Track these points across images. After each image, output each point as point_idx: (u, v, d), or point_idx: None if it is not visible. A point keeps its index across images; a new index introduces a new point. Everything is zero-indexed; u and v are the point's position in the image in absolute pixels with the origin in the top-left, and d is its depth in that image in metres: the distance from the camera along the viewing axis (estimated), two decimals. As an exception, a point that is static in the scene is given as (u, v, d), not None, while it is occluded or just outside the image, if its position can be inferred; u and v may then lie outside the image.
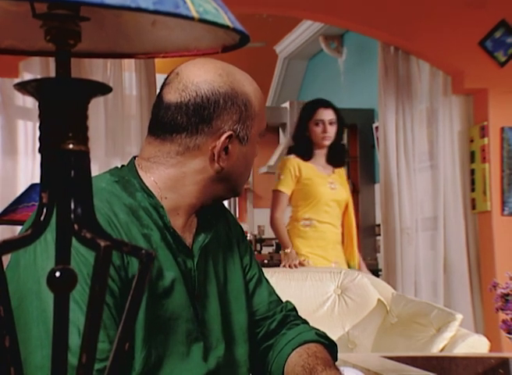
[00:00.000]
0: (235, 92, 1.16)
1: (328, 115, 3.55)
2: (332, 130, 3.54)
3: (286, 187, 3.58)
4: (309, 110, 3.61)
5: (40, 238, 0.55)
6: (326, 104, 3.62)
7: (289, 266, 3.32)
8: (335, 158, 3.62)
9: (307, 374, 1.20)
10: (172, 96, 1.17)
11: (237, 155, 1.19)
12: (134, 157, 1.23)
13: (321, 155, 3.60)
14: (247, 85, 1.19)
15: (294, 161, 3.57)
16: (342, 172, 3.68)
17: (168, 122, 1.16)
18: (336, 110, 3.60)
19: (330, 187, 3.54)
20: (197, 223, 1.23)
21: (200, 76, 1.16)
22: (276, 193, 3.66)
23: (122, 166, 1.23)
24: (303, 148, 3.59)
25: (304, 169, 3.54)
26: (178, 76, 1.18)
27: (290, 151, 3.67)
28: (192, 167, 1.17)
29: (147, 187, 1.16)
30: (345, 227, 3.64)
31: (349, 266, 3.58)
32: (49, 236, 0.85)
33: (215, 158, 1.16)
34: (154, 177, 1.17)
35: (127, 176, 1.18)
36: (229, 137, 1.16)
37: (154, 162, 1.18)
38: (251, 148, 1.21)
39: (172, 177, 1.17)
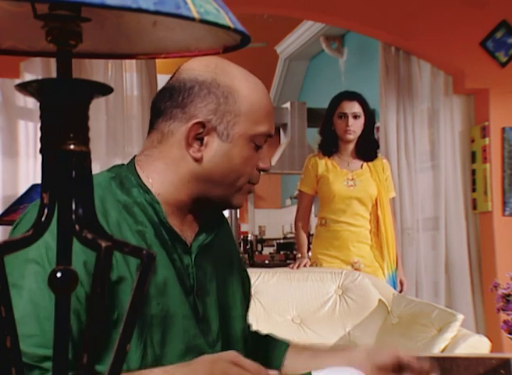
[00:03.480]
0: (215, 83, 1.15)
1: (351, 108, 3.38)
2: (356, 124, 3.37)
3: (306, 186, 3.50)
4: (333, 103, 3.46)
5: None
6: (351, 96, 3.43)
7: (292, 267, 3.29)
8: (363, 152, 3.44)
9: (312, 356, 1.25)
10: (164, 85, 1.21)
11: (216, 150, 1.15)
12: (136, 155, 1.23)
13: (346, 149, 3.44)
14: (239, 82, 1.17)
15: (313, 159, 3.49)
16: (378, 166, 3.46)
17: (152, 109, 1.19)
18: (363, 103, 3.41)
19: (347, 183, 3.39)
20: (198, 225, 1.22)
21: (188, 65, 1.17)
22: (298, 193, 3.60)
23: (123, 164, 1.23)
24: (326, 142, 3.48)
25: (320, 167, 3.44)
26: (178, 68, 1.21)
27: (318, 147, 3.57)
28: (171, 157, 1.16)
29: (143, 183, 1.16)
30: (373, 226, 3.42)
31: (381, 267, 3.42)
32: (38, 240, 0.84)
33: (185, 145, 1.15)
34: (146, 172, 1.18)
35: (125, 172, 1.18)
36: (203, 126, 1.14)
37: (146, 154, 1.19)
38: (237, 148, 1.16)
39: (159, 171, 1.17)
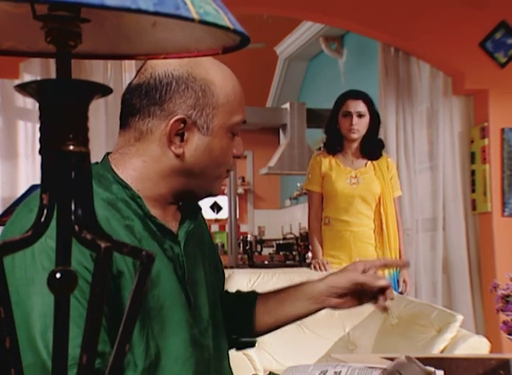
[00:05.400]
0: (192, 77, 1.13)
1: (356, 107, 3.38)
2: (360, 123, 3.36)
3: (313, 185, 3.48)
4: (339, 102, 3.46)
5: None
6: (356, 95, 3.43)
7: (315, 268, 3.26)
8: (368, 151, 3.44)
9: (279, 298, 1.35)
10: (134, 80, 1.18)
11: (196, 144, 1.14)
12: (108, 153, 1.21)
13: (351, 148, 3.45)
14: (213, 73, 1.15)
15: (318, 157, 3.49)
16: (383, 165, 3.46)
17: (126, 106, 1.16)
18: (368, 102, 3.42)
19: (349, 181, 3.39)
20: (181, 214, 1.22)
21: (160, 60, 1.14)
22: (307, 193, 3.60)
23: (96, 162, 1.21)
24: (331, 141, 3.48)
25: (324, 165, 3.44)
26: (145, 62, 1.18)
27: (323, 145, 3.57)
28: (150, 155, 1.15)
29: (121, 180, 1.15)
30: (377, 225, 3.42)
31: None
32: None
33: (167, 142, 1.13)
34: (121, 170, 1.16)
35: (101, 171, 1.16)
36: (183, 122, 1.12)
37: (121, 153, 1.17)
38: (217, 140, 1.15)
39: (136, 168, 1.16)
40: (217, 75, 1.16)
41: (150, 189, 1.16)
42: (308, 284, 1.35)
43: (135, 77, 1.18)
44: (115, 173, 1.15)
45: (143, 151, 1.15)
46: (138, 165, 1.16)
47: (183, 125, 1.13)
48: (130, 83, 1.18)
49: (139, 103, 1.14)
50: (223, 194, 5.86)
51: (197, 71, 1.14)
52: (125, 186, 1.14)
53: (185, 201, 1.22)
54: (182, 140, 1.14)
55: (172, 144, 1.14)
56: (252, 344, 1.42)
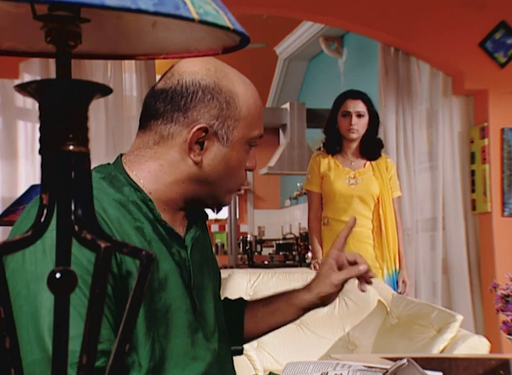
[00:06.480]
0: (218, 88, 1.15)
1: (355, 106, 3.39)
2: (359, 123, 3.37)
3: (313, 185, 3.49)
4: (338, 102, 3.47)
5: None
6: (355, 95, 3.44)
7: (314, 268, 3.27)
8: (367, 151, 3.45)
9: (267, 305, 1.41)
10: (159, 84, 1.19)
11: (215, 153, 1.17)
12: (121, 154, 1.23)
13: (350, 148, 3.45)
14: (238, 86, 1.18)
15: (317, 157, 3.50)
16: (382, 165, 3.46)
17: (149, 108, 1.18)
18: (368, 102, 3.43)
19: (348, 182, 3.40)
20: (188, 220, 1.24)
21: (188, 68, 1.16)
22: (307, 193, 3.60)
23: (109, 163, 1.23)
24: (330, 141, 3.49)
25: (322, 165, 3.45)
26: (172, 67, 1.20)
27: (322, 145, 3.58)
28: (168, 159, 1.16)
29: (133, 182, 1.16)
30: (376, 226, 3.42)
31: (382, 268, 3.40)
32: (38, 240, 0.83)
33: (187, 149, 1.15)
34: (136, 172, 1.17)
35: (113, 172, 1.17)
36: (205, 131, 1.14)
37: (137, 154, 1.19)
38: (234, 152, 1.18)
39: (152, 171, 1.17)
40: (241, 88, 1.18)
41: (162, 193, 1.17)
42: (296, 295, 1.41)
43: (160, 81, 1.20)
44: (128, 174, 1.17)
45: (161, 154, 1.17)
46: (154, 168, 1.17)
47: (204, 134, 1.15)
48: (154, 87, 1.20)
49: (163, 107, 1.16)
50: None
51: (223, 82, 1.16)
52: (137, 188, 1.16)
53: (193, 208, 1.24)
54: (201, 148, 1.16)
55: (192, 151, 1.16)
56: (240, 352, 1.43)
